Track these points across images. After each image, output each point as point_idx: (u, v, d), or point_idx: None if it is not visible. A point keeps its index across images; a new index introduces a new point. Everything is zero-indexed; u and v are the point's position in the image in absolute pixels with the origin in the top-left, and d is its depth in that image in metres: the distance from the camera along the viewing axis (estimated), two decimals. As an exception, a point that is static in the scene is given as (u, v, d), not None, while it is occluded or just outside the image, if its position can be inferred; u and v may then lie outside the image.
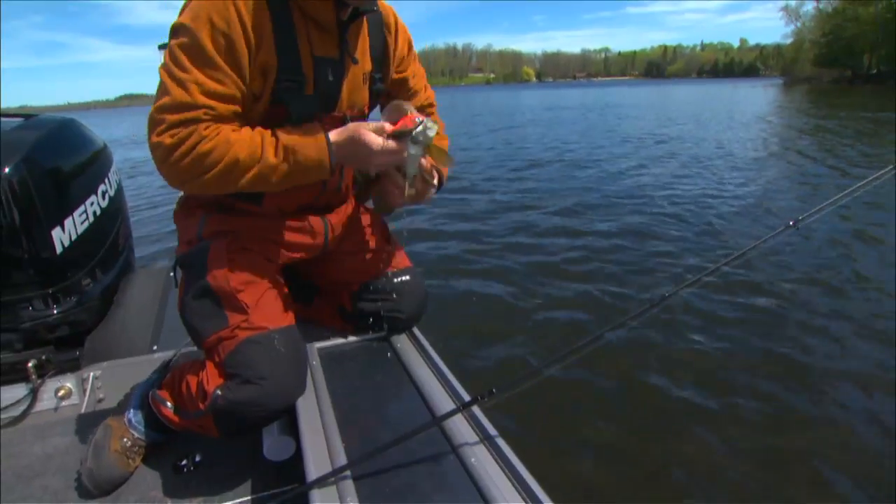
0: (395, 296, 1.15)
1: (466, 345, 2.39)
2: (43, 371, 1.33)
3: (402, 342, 1.15)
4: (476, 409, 0.82)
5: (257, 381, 0.85)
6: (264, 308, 0.94)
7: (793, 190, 5.27)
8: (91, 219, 1.50)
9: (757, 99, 25.04)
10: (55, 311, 1.37)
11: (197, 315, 0.94)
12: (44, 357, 1.33)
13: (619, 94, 42.46)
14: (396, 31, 1.11)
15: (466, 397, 0.86)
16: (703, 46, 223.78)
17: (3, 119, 1.47)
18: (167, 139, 0.81)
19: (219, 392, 0.87)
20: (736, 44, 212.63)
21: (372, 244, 1.21)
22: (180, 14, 0.87)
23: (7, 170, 1.28)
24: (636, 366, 2.12)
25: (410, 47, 1.17)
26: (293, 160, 0.86)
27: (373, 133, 0.88)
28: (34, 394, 1.31)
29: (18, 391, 1.31)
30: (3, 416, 1.30)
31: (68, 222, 1.41)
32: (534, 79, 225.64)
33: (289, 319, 0.97)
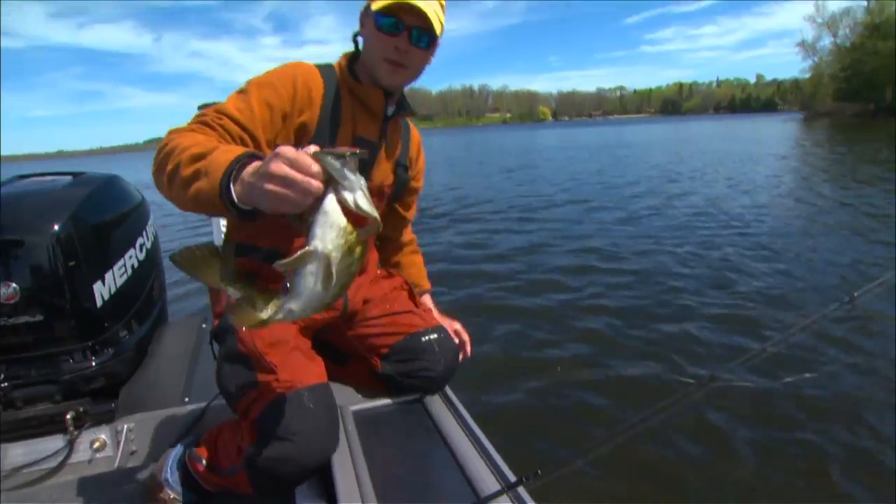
0: (424, 356, 1.15)
1: (502, 409, 2.28)
2: (80, 423, 1.35)
3: (436, 405, 1.14)
4: (520, 489, 0.80)
5: (288, 437, 0.86)
6: (292, 367, 0.96)
7: (827, 245, 4.70)
8: (129, 272, 1.56)
9: (777, 134, 24.82)
10: (93, 364, 1.40)
11: (230, 380, 0.98)
12: (81, 409, 1.35)
13: (635, 132, 42.44)
14: (419, 151, 1.26)
15: (509, 474, 0.84)
16: (719, 83, 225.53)
17: (56, 177, 1.56)
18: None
19: (251, 449, 0.88)
20: (752, 79, 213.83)
21: (398, 307, 1.22)
22: None
23: (56, 227, 1.35)
24: (690, 446, 1.99)
25: (422, 171, 1.31)
26: (208, 158, 0.71)
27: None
28: (71, 446, 1.33)
29: (56, 443, 1.33)
30: (41, 468, 1.32)
31: (108, 276, 1.47)
32: (550, 118, 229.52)
33: (318, 377, 0.99)
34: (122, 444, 1.37)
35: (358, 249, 0.65)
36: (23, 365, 1.34)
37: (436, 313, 1.22)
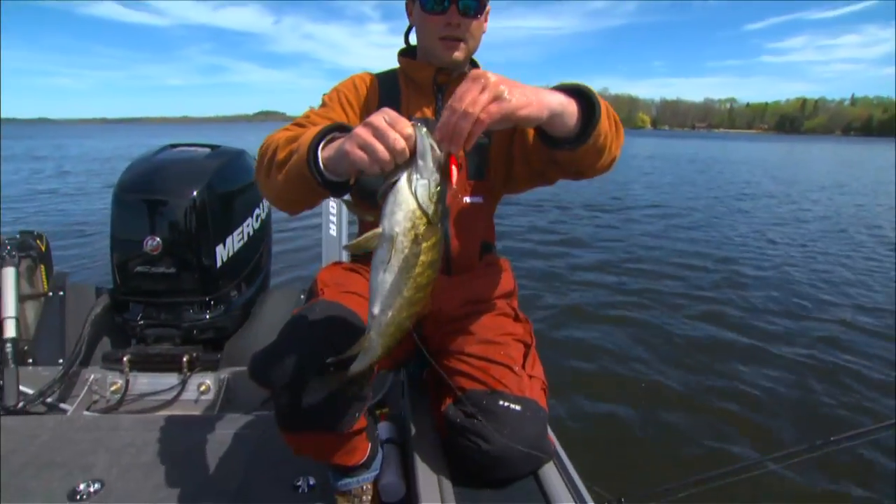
0: (488, 421, 0.84)
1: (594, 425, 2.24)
2: (192, 366, 1.54)
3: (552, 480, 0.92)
4: None
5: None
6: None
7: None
8: (245, 238, 1.73)
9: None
10: (207, 317, 1.59)
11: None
12: (194, 354, 1.55)
13: (742, 148, 38.47)
14: None
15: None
16: (854, 101, 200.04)
17: (198, 148, 1.77)
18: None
19: None
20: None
21: (502, 356, 0.96)
22: None
23: (195, 192, 1.54)
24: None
25: None
26: (301, 139, 0.76)
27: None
28: (183, 385, 1.53)
29: (172, 380, 1.53)
30: (158, 398, 1.53)
31: (229, 240, 1.65)
32: (648, 126, 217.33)
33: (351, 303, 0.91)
34: (222, 391, 1.55)
35: (427, 241, 0.60)
36: (154, 308, 1.55)
37: None
